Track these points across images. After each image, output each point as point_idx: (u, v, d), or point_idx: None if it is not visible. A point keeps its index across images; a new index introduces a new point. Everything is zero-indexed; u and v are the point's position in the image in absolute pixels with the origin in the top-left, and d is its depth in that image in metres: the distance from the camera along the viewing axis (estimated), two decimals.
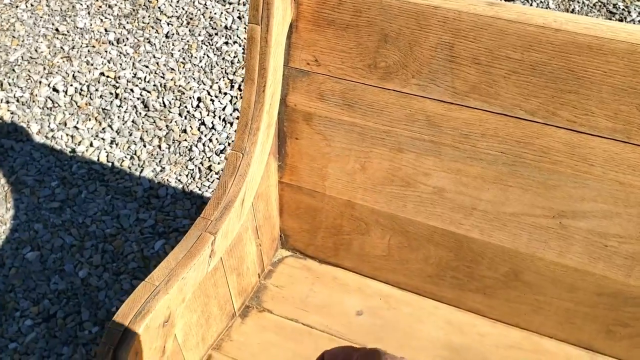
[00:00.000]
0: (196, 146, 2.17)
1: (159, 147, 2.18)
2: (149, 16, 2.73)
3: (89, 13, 2.74)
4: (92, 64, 2.47)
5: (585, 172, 0.94)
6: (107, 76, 2.44)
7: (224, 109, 2.30)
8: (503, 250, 1.08)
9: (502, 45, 0.91)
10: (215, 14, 2.73)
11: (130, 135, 2.22)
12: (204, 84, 2.40)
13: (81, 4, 2.79)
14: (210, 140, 2.19)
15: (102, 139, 2.20)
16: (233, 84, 2.39)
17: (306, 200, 1.21)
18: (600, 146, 0.91)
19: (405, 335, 1.17)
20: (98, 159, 2.14)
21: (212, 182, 2.06)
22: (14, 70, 2.45)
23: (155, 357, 0.89)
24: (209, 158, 2.13)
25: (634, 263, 0.99)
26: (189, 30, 2.66)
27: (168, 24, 2.69)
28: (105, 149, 2.17)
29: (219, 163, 2.11)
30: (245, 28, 2.65)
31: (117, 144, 2.19)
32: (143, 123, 2.26)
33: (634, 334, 1.07)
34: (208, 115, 2.28)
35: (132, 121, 2.26)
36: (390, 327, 1.18)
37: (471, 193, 1.05)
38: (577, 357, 1.12)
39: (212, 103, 2.32)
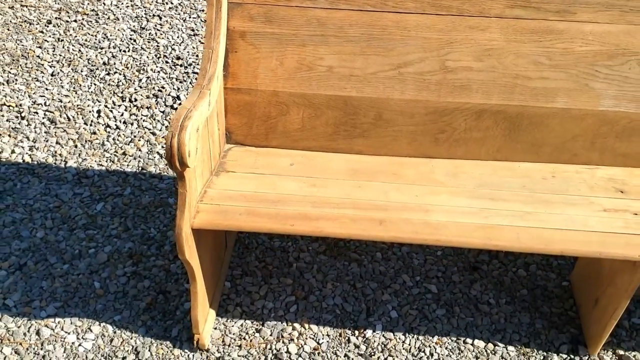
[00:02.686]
0: (107, 141, 2.65)
1: (75, 146, 2.62)
2: (30, 63, 3.16)
3: None
4: None
5: (406, 36, 1.75)
6: (9, 105, 2.82)
7: (122, 115, 2.82)
8: (371, 100, 1.83)
9: None
10: (90, 56, 3.26)
11: (47, 141, 2.62)
12: (99, 102, 2.90)
13: None
14: (119, 135, 2.69)
15: (22, 147, 2.58)
16: (124, 99, 2.93)
17: (244, 98, 1.85)
18: (411, 19, 1.73)
19: (323, 168, 1.83)
20: (23, 161, 2.51)
21: (129, 162, 2.55)
22: None
23: (194, 152, 1.46)
24: (121, 147, 2.63)
25: (440, 87, 1.80)
26: (72, 69, 3.14)
27: (51, 67, 3.15)
28: (27, 153, 2.55)
29: (131, 149, 2.61)
30: (120, 62, 3.22)
31: (37, 149, 2.58)
32: (55, 132, 2.68)
33: (449, 136, 1.87)
34: (110, 120, 2.78)
35: (45, 132, 2.67)
36: (311, 165, 1.84)
37: (348, 65, 1.79)
38: (421, 163, 1.88)
39: (111, 112, 2.82)
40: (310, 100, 1.84)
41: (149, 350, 1.83)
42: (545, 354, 1.85)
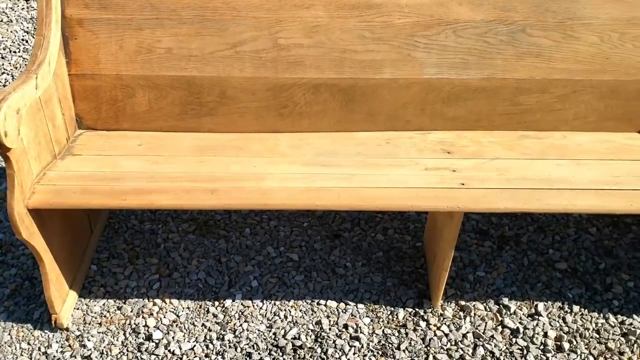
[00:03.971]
0: None
1: None
2: None
3: None
4: None
5: (237, 16, 1.84)
6: None
7: None
8: (212, 79, 1.92)
9: None
10: None
11: None
12: None
13: None
14: None
15: None
16: None
17: (89, 83, 1.91)
18: (243, 0, 1.82)
19: (171, 147, 1.91)
20: None
21: None
22: None
23: (12, 133, 1.51)
24: None
25: (276, 63, 1.90)
26: None
27: None
28: None
29: None
30: (8, 63, 3.22)
31: None
32: None
33: (291, 111, 1.97)
34: None
35: None
36: (160, 145, 1.91)
37: (186, 46, 1.88)
38: (268, 137, 1.98)
39: None
40: (154, 82, 1.92)
41: (9, 334, 1.87)
42: (392, 309, 1.98)
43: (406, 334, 1.90)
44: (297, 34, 1.86)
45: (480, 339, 1.88)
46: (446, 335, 1.90)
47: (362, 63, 1.89)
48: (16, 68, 3.20)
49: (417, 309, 1.98)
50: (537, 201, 1.64)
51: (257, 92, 1.94)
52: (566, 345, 1.85)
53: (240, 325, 1.92)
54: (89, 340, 1.86)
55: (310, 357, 1.82)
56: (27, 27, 3.59)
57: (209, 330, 1.90)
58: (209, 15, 1.84)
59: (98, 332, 1.89)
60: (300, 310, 1.97)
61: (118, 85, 1.91)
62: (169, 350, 1.84)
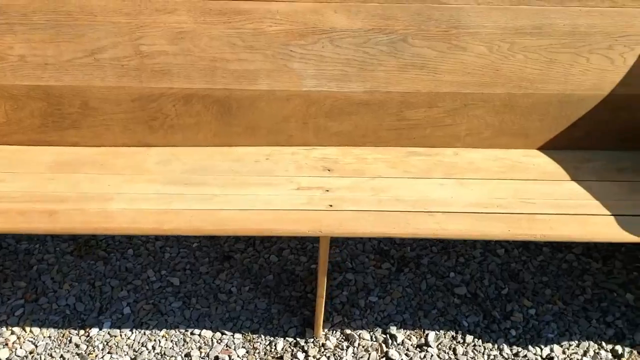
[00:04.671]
0: None
1: None
2: None
3: None
4: None
5: (94, 21, 1.69)
6: None
7: None
8: (72, 89, 1.76)
9: None
10: None
11: None
12: None
13: None
14: None
15: None
16: None
17: None
18: (96, 3, 1.66)
19: (26, 162, 1.75)
20: None
21: None
22: None
23: None
24: None
25: (140, 72, 1.75)
26: None
27: None
28: None
29: None
30: None
31: None
32: None
33: (162, 123, 1.82)
34: None
35: None
36: (15, 160, 1.76)
37: (40, 53, 1.72)
38: (137, 151, 1.83)
39: None
40: (9, 92, 1.76)
41: None
42: (272, 338, 1.83)
43: None
44: (160, 40, 1.72)
45: None
46: None
47: (235, 73, 1.75)
48: None
49: (298, 339, 1.83)
50: (406, 225, 1.50)
51: (122, 103, 1.79)
52: None
53: (102, 356, 1.76)
54: None
55: None
56: None
57: None
58: (63, 20, 1.68)
59: None
60: (171, 341, 1.81)
61: None
62: None
